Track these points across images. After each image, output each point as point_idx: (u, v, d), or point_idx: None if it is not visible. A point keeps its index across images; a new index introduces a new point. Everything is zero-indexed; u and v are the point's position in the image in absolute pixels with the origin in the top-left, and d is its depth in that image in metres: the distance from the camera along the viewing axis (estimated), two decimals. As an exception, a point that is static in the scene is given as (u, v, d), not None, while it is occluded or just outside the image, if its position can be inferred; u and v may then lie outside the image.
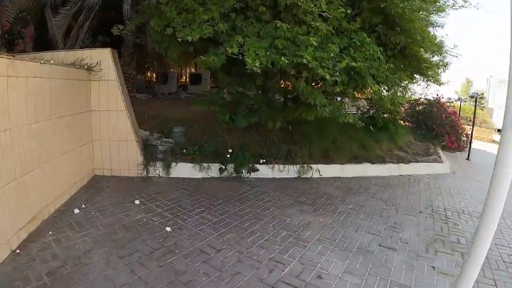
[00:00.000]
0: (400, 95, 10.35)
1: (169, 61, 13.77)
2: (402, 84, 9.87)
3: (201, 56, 5.75)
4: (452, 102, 15.78)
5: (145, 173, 6.70)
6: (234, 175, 7.04)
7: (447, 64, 10.06)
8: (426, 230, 5.27)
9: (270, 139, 7.83)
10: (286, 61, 5.03)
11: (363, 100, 11.84)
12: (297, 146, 7.78)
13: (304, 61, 5.04)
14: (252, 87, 7.04)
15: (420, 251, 4.49)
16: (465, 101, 29.67)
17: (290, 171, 7.48)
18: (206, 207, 5.31)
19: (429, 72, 8.70)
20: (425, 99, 15.54)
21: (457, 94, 26.74)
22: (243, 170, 7.02)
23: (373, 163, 8.64)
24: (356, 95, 9.33)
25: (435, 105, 14.99)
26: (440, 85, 9.85)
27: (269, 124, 7.59)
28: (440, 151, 11.97)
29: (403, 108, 16.53)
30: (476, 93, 13.64)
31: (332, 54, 5.38)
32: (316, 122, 7.69)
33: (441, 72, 11.02)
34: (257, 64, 4.90)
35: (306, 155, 7.79)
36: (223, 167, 6.90)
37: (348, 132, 8.94)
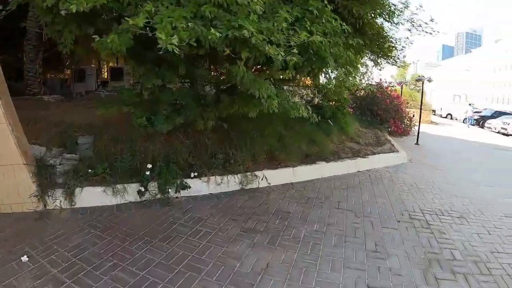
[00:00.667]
0: (357, 80, 9.28)
1: (84, 54, 11.62)
2: (362, 67, 8.80)
3: (94, 36, 3.94)
4: (394, 86, 15.35)
5: (42, 206, 4.76)
6: (158, 196, 5.26)
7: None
8: (413, 248, 4.16)
9: (202, 143, 6.14)
10: (217, 35, 3.43)
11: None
12: (237, 149, 6.23)
13: (245, 33, 3.45)
14: (174, 78, 5.34)
15: (419, 283, 3.36)
16: (406, 85, 30.45)
17: (230, 182, 5.88)
18: (120, 257, 3.57)
19: (392, 53, 7.59)
20: (368, 84, 14.92)
21: (393, 78, 26.59)
22: (170, 189, 5.29)
23: (328, 161, 7.43)
24: (305, 82, 8.03)
25: (379, 89, 14.39)
26: (401, 67, 9.01)
27: (200, 123, 5.92)
28: (391, 139, 11.26)
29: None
30: (423, 76, 13.14)
31: (284, 25, 3.88)
32: (256, 117, 6.18)
33: (404, 54, 10.23)
34: (174, 41, 3.23)
35: (249, 159, 6.26)
36: (143, 188, 5.13)
37: (294, 126, 7.60)
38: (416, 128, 14.50)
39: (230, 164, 5.95)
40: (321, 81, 9.47)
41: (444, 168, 9.07)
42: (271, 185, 6.25)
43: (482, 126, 26.77)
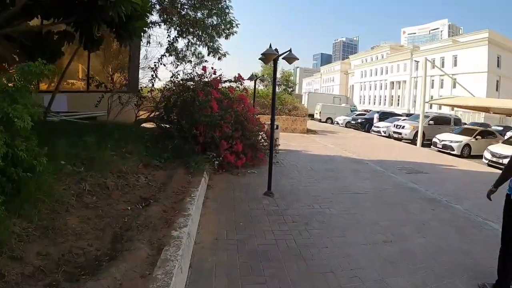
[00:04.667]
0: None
1: None
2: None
3: None
4: (241, 83, 8.68)
5: None
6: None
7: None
8: None
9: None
10: None
11: None
12: None
13: None
14: None
15: None
16: (264, 82, 24.25)
17: None
18: None
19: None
20: (181, 80, 8.08)
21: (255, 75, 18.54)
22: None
23: None
24: None
25: (202, 87, 7.62)
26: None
27: None
28: (190, 207, 4.41)
29: (155, 99, 8.64)
30: (276, 50, 6.00)
31: None
32: None
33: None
34: None
35: None
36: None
37: None
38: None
39: None
40: None
41: None
42: None
43: (368, 130, 22.79)
